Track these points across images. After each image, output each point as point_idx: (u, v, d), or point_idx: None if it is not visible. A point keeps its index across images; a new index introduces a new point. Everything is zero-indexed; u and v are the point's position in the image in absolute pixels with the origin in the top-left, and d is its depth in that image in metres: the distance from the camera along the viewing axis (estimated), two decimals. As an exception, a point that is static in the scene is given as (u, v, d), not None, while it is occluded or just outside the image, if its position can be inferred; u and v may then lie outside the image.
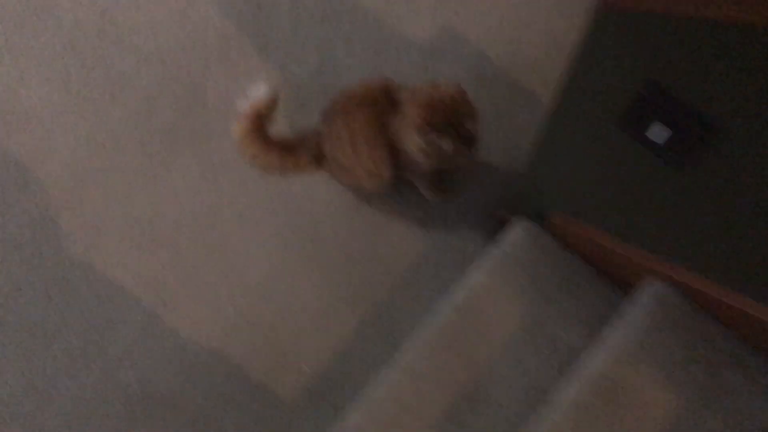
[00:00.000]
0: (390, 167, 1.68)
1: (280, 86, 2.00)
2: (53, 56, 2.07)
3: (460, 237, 1.86)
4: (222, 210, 1.93)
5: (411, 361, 1.55)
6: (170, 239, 1.92)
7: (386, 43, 2.04)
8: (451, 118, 1.49)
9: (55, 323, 1.85)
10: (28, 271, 1.89)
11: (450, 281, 1.80)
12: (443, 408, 1.49)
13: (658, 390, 1.26)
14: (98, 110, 2.02)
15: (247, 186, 1.95)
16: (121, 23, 2.10)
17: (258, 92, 1.78)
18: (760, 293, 1.06)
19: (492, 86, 1.99)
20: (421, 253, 1.85)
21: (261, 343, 1.84)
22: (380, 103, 1.62)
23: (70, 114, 2.02)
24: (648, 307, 1.33)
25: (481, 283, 1.59)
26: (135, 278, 1.88)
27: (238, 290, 1.87)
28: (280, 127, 1.97)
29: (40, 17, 2.10)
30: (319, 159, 1.84)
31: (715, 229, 1.11)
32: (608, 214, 1.30)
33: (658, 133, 1.00)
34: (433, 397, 1.52)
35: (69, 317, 1.86)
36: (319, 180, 1.92)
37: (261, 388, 1.81)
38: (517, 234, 1.60)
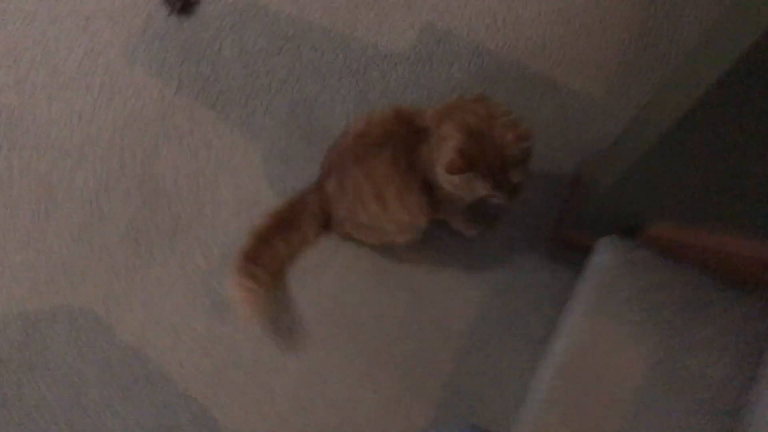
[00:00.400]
0: (426, 211, 1.33)
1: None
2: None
3: (522, 273, 1.51)
4: (224, 315, 1.53)
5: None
6: (162, 375, 1.51)
7: (362, 62, 1.68)
8: (495, 159, 1.15)
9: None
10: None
11: (526, 329, 1.47)
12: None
13: None
14: (33, 233, 1.59)
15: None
16: (37, 120, 1.68)
17: None
18: None
19: (500, 81, 1.65)
20: (480, 304, 1.50)
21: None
22: (400, 137, 1.26)
23: (-1, 248, 1.59)
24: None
25: (582, 328, 1.25)
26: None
27: (277, 404, 1.48)
28: (263, 192, 1.59)
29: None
30: (326, 223, 1.47)
31: None
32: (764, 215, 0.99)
33: None
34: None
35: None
36: (329, 246, 1.55)
37: None
38: (609, 257, 1.27)
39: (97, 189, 1.61)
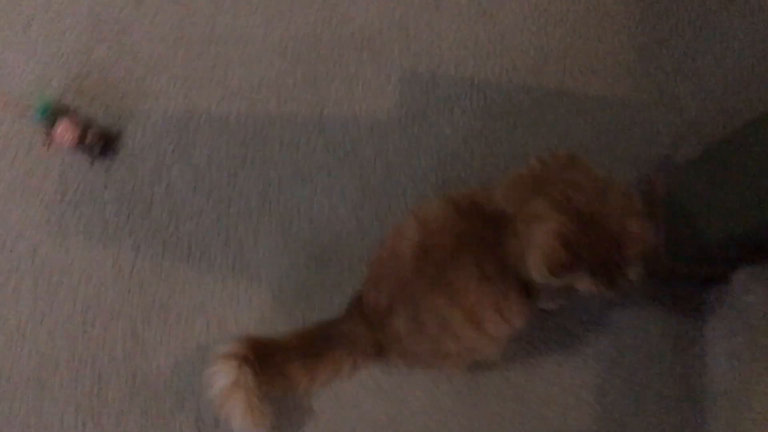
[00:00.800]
0: (529, 312, 1.03)
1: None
2: None
3: (627, 331, 1.24)
4: None
5: None
6: None
7: (347, 143, 1.37)
8: (611, 251, 0.87)
9: None
10: None
11: (660, 396, 1.20)
12: None
13: None
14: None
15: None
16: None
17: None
18: None
19: (513, 113, 1.37)
20: (597, 385, 1.22)
21: None
22: (475, 235, 0.96)
23: None
24: None
25: (746, 387, 1.00)
26: None
27: None
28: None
29: None
30: (378, 354, 1.15)
31: None
32: None
33: None
34: None
35: None
36: (394, 373, 1.23)
37: None
38: (761, 292, 1.02)
39: (81, 421, 1.22)
